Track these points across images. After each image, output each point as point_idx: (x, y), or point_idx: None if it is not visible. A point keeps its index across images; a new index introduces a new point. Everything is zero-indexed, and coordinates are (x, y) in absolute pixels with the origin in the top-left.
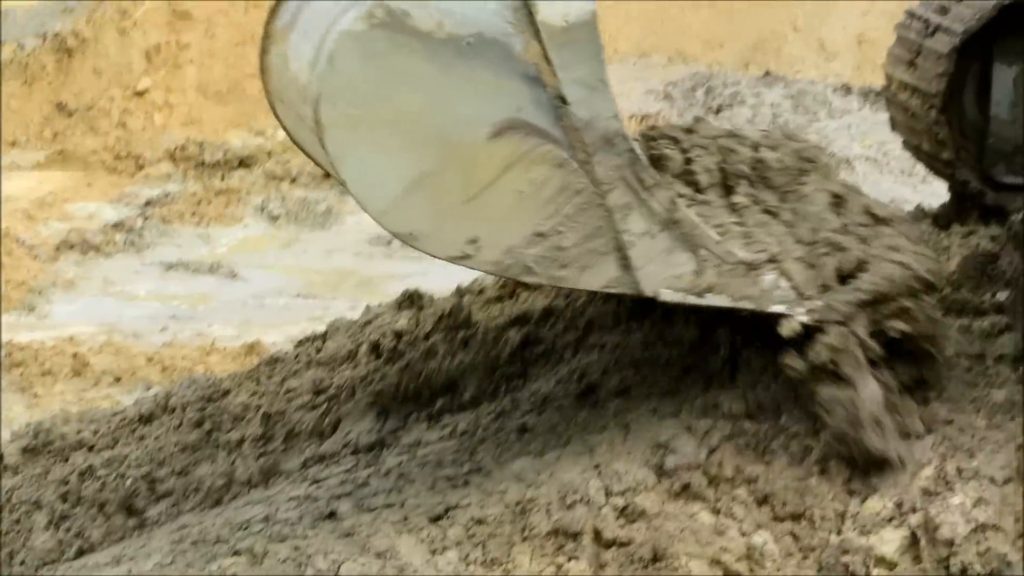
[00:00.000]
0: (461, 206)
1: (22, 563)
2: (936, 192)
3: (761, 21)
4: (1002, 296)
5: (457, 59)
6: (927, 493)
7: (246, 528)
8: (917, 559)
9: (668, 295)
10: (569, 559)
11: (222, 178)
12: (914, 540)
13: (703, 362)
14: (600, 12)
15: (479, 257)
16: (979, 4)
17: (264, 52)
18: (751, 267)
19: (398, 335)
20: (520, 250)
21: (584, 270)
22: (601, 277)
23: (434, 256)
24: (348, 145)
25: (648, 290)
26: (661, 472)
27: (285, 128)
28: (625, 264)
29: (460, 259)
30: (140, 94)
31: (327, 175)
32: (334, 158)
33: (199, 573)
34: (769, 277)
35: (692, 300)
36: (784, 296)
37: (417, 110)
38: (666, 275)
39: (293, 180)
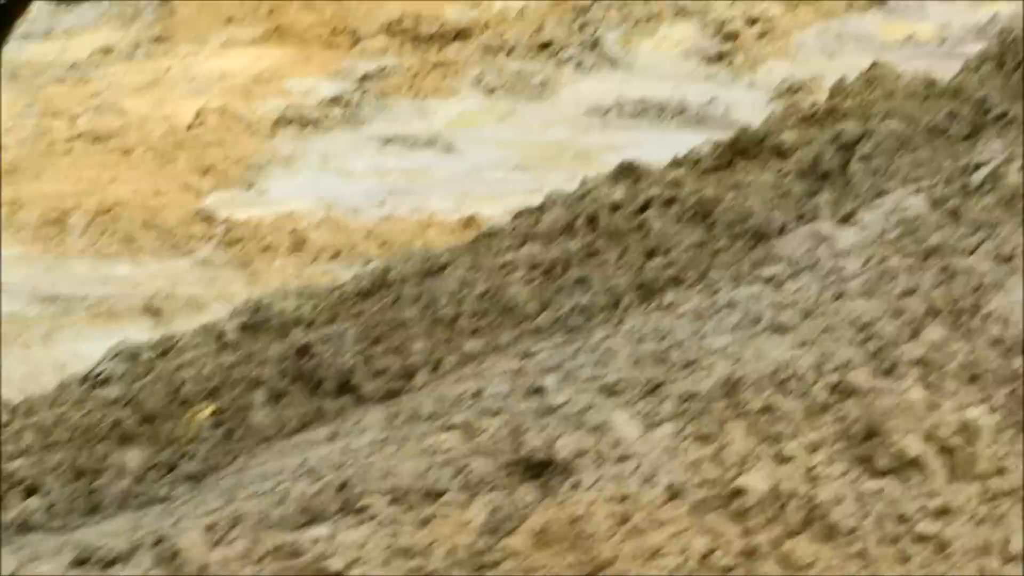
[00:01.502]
0: None
1: (240, 440)
2: None
3: None
4: None
5: None
6: None
7: (458, 403)
8: None
9: None
10: (781, 437)
11: (438, 51)
12: None
13: None
14: None
15: None
16: None
17: None
18: None
19: (615, 207)
20: None
21: None
22: None
23: None
24: None
25: None
26: (868, 351)
27: None
28: None
29: None
30: None
31: (543, 46)
32: None
33: (413, 448)
34: None
35: None
36: None
37: None
38: None
39: (509, 52)
